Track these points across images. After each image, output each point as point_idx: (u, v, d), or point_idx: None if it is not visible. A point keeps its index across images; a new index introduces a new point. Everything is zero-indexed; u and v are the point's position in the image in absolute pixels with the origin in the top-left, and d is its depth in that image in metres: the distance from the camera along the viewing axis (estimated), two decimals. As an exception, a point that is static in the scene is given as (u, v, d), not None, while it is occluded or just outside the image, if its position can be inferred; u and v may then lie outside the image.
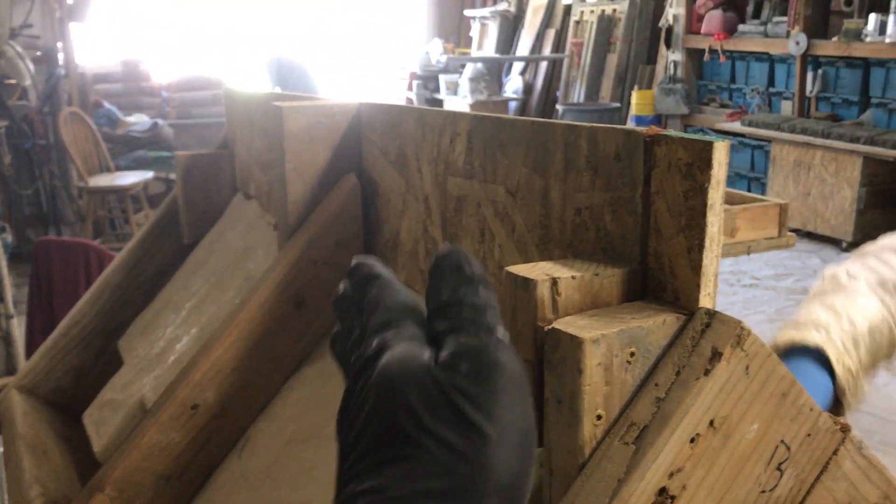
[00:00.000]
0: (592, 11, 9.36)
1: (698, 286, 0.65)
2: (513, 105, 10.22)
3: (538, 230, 0.83)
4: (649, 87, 8.32)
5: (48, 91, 6.15)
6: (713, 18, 7.61)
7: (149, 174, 6.20)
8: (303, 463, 0.99)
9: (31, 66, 5.43)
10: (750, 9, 7.53)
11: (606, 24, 9.21)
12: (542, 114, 9.92)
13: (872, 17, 6.28)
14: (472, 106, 9.71)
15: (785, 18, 7.01)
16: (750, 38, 7.40)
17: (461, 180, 0.94)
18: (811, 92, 6.94)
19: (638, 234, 0.70)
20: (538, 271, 0.67)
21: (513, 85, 10.47)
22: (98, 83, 8.14)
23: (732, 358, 0.62)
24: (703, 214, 0.64)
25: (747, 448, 0.64)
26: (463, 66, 10.00)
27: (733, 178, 7.48)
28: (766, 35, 7.24)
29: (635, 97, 8.19)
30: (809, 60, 6.92)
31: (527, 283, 0.66)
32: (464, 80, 9.94)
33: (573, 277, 0.67)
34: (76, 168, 5.83)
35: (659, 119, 8.15)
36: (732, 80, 7.75)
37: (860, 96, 6.62)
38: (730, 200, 3.98)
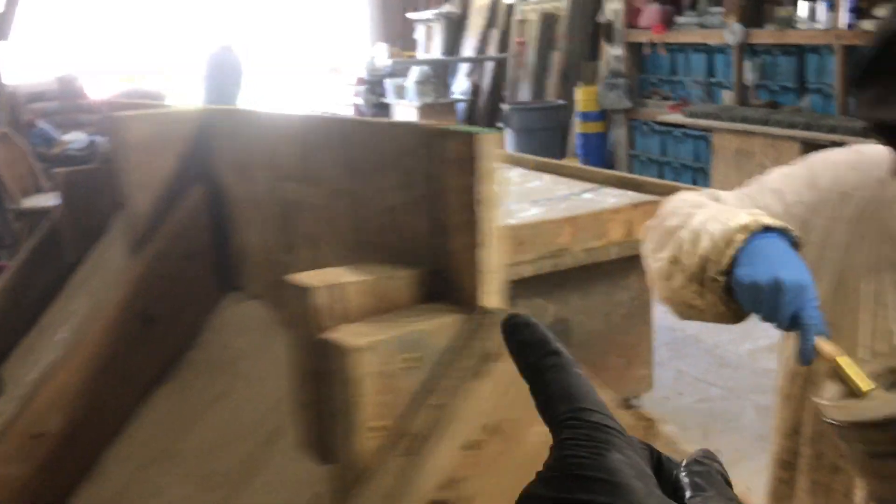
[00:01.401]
0: (534, 10, 9.38)
1: (481, 284, 0.62)
2: (461, 106, 10.21)
3: (354, 234, 0.79)
4: (593, 83, 8.35)
5: (-24, 112, 6.00)
6: (651, 12, 7.66)
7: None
8: (151, 487, 0.95)
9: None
10: (686, 1, 7.59)
11: (549, 21, 9.24)
12: (490, 114, 9.92)
13: (802, 3, 6.36)
14: (420, 109, 9.68)
15: (720, 9, 7.06)
16: (688, 30, 7.46)
17: (294, 185, 0.91)
18: (750, 81, 7.00)
19: (430, 233, 0.68)
20: (320, 278, 0.64)
21: (460, 86, 10.45)
22: (33, 102, 7.97)
23: (509, 358, 0.59)
24: (478, 210, 0.61)
25: (534, 452, 0.61)
26: (409, 70, 9.97)
27: (679, 170, 7.53)
28: (702, 26, 7.30)
29: (580, 94, 8.22)
30: (746, 49, 6.99)
31: (302, 292, 0.63)
32: (410, 84, 9.90)
33: (358, 282, 0.64)
34: (6, 190, 5.69)
35: (604, 114, 8.18)
36: (673, 72, 7.81)
37: (797, 83, 6.70)
38: (660, 191, 4.00)
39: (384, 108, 10.43)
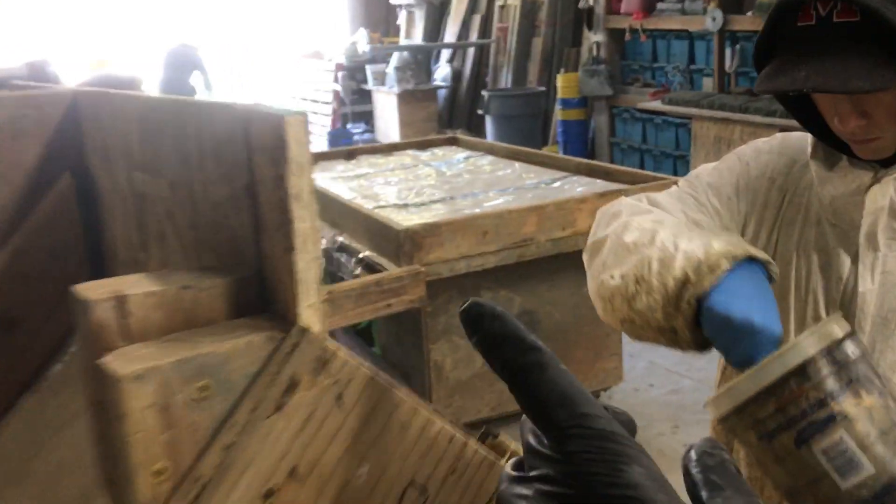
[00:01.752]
0: (515, -5, 9.25)
1: (295, 296, 0.52)
2: (442, 93, 10.08)
3: (193, 231, 0.69)
4: (575, 69, 8.24)
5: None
6: (632, -3, 7.55)
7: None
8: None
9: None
10: (667, -14, 7.48)
11: (530, 7, 9.11)
12: (472, 101, 9.80)
13: (783, -11, 6.26)
14: (400, 96, 9.55)
15: (701, -6, 6.97)
16: (669, 16, 7.35)
17: (142, 175, 0.80)
18: (730, 67, 6.91)
19: (251, 232, 0.57)
20: (106, 288, 0.54)
21: (441, 72, 10.32)
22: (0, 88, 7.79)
23: (314, 387, 0.49)
24: (288, 208, 0.51)
25: (357, 497, 0.51)
26: (390, 56, 9.82)
27: (659, 158, 7.44)
28: (683, 12, 7.19)
29: (560, 80, 8.10)
30: (727, 36, 6.89)
31: (83, 306, 0.52)
32: (391, 70, 9.76)
33: (149, 294, 0.53)
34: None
35: (585, 101, 8.08)
36: (654, 58, 7.70)
37: (777, 70, 6.61)
38: (631, 180, 3.91)
39: (364, 95, 10.29)
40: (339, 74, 10.08)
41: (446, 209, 3.71)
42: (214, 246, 0.63)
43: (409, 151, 5.01)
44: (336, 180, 4.38)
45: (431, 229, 3.14)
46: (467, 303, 0.42)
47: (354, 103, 10.26)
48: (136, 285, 0.54)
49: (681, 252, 0.98)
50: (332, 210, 3.71)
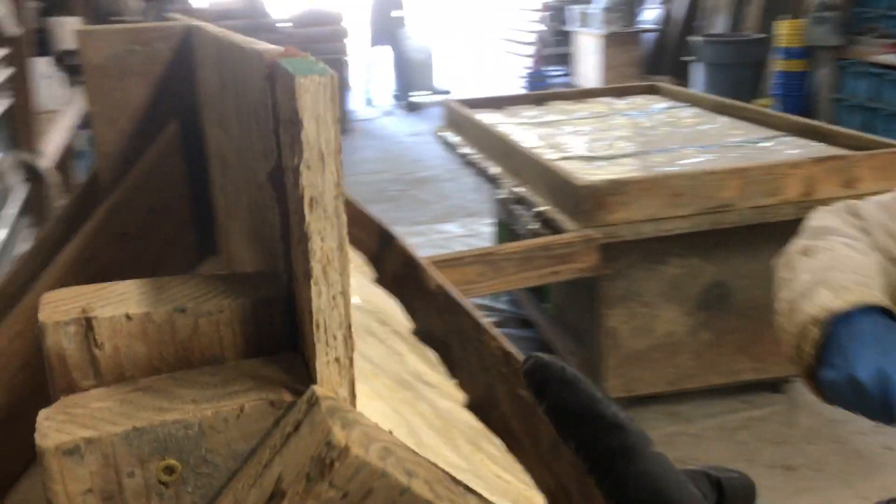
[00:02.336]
0: (739, -69, 8.45)
1: (314, 344, 0.35)
2: (648, 37, 9.51)
3: (248, 214, 0.54)
4: (800, 15, 7.45)
5: (159, 28, 6.20)
6: (877, -67, 6.65)
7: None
8: None
9: (143, 4, 5.45)
10: (922, -79, 6.51)
11: (755, -56, 8.31)
12: (679, 47, 9.17)
13: None
14: (606, 38, 9.12)
15: (964, -70, 6.01)
16: (919, -44, 6.42)
17: (218, 130, 0.66)
18: None
19: (281, 240, 0.41)
20: (75, 303, 0.39)
21: (651, 14, 9.72)
22: (220, 20, 8.19)
23: (308, 501, 0.32)
24: (303, 217, 0.33)
25: None
26: (597, -5, 9.37)
27: (891, 118, 6.59)
28: (939, -49, 6.26)
29: (782, 27, 7.35)
30: None
31: (41, 329, 0.38)
32: (598, 10, 9.32)
33: (127, 316, 0.38)
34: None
35: (809, 51, 7.30)
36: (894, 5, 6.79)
37: None
38: (855, 145, 3.41)
39: (565, 37, 9.92)
40: (544, 15, 9.75)
41: (637, 164, 3.41)
42: (259, 244, 0.48)
43: (604, 99, 4.70)
44: (522, 126, 4.18)
45: (616, 187, 2.88)
46: (530, 361, 0.37)
47: (555, 45, 9.93)
48: (114, 301, 0.39)
49: (798, 306, 0.92)
50: (514, 159, 3.52)
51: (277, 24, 8.62)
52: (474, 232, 5.47)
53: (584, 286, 3.22)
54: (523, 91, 8.73)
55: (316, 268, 0.34)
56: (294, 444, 0.33)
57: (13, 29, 2.52)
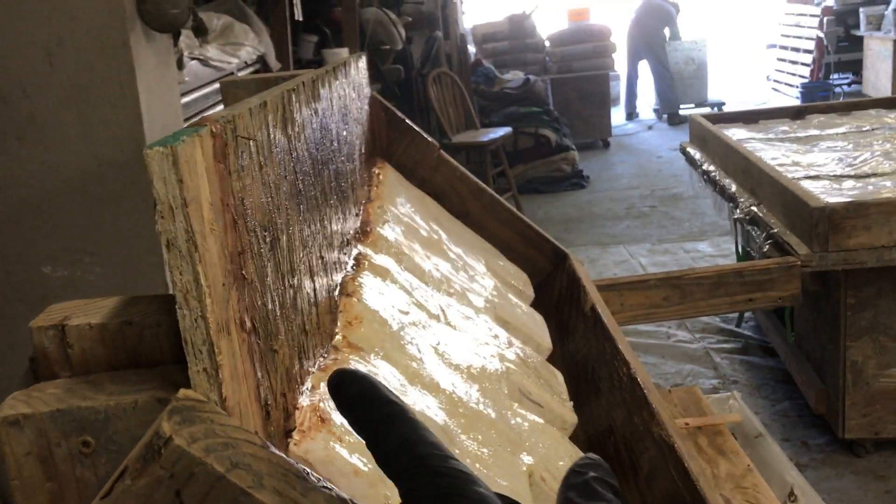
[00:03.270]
0: None
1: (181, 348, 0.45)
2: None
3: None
4: None
5: (425, 54, 6.64)
6: None
7: (505, 131, 6.38)
8: None
9: (403, 32, 5.90)
10: None
11: None
12: None
13: None
14: (900, 42, 8.25)
15: None
16: None
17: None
18: None
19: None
20: (58, 314, 0.52)
21: (956, 13, 8.64)
22: (487, 42, 8.57)
23: (144, 476, 0.41)
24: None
25: None
26: (890, -4, 8.51)
27: None
28: None
29: None
30: None
31: (30, 331, 0.51)
32: (888, 12, 8.47)
33: (91, 326, 0.50)
34: (441, 126, 6.23)
35: None
36: None
37: None
38: None
39: (855, 43, 9.11)
40: (825, 20, 9.04)
41: (894, 185, 3.10)
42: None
43: (873, 111, 4.29)
44: (770, 142, 3.95)
45: (856, 209, 2.65)
46: (334, 372, 0.42)
47: (842, 51, 9.15)
48: (90, 313, 0.51)
49: None
50: (751, 176, 3.35)
51: (546, 43, 8.82)
52: (726, 252, 5.24)
53: (827, 314, 2.99)
54: (797, 102, 8.17)
55: (178, 296, 0.43)
56: (149, 432, 0.42)
57: (274, 62, 2.90)
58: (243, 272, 0.51)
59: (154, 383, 0.47)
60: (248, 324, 0.51)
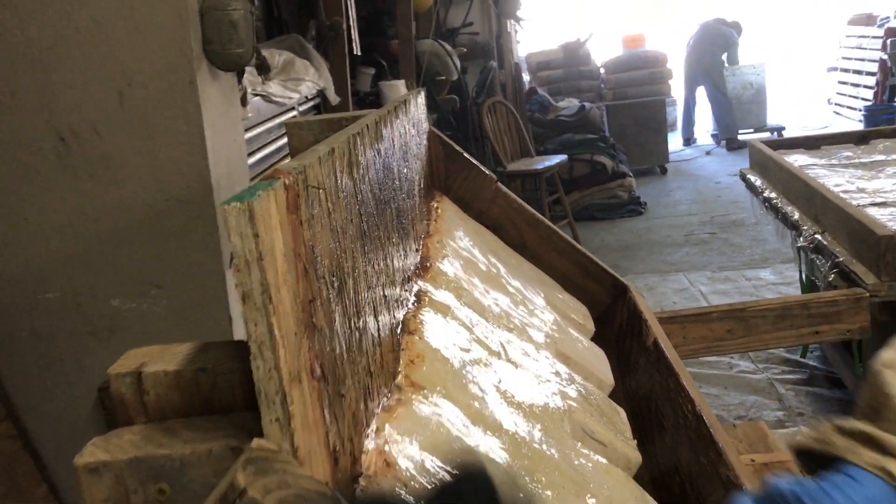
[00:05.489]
0: None
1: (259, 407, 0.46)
2: None
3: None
4: None
5: (481, 83, 6.68)
6: None
7: (560, 158, 6.36)
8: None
9: (458, 63, 5.95)
10: None
11: None
12: None
13: None
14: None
15: None
16: None
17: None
18: None
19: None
20: (135, 360, 0.53)
21: None
22: (541, 70, 8.59)
23: None
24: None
25: None
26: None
27: None
28: None
29: None
30: None
31: (109, 378, 0.53)
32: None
33: (166, 373, 0.52)
34: (496, 154, 6.25)
35: None
36: None
37: None
38: None
39: (920, 64, 8.88)
40: (889, 41, 8.84)
41: (965, 211, 2.99)
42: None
43: (943, 135, 4.17)
44: (833, 168, 3.86)
45: (926, 237, 2.56)
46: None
47: (905, 74, 8.92)
48: (166, 360, 0.52)
49: None
50: (814, 204, 3.28)
51: (601, 70, 8.79)
52: (790, 280, 5.12)
53: (896, 346, 2.88)
54: (859, 126, 7.99)
55: (253, 347, 0.44)
56: (223, 482, 0.43)
57: (333, 96, 2.95)
58: (313, 320, 0.51)
59: (227, 431, 0.47)
60: (318, 371, 0.51)
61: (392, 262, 0.94)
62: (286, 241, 0.46)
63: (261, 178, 0.47)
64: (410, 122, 1.29)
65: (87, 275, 1.83)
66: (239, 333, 1.90)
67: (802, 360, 4.02)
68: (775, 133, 9.22)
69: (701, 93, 9.51)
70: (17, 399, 1.92)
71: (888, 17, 9.21)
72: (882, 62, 8.97)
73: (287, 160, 2.62)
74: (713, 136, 9.75)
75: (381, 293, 0.84)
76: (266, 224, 0.44)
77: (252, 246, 0.43)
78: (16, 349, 1.88)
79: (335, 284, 0.60)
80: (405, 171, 1.15)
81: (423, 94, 1.55)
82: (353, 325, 0.65)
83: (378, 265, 0.84)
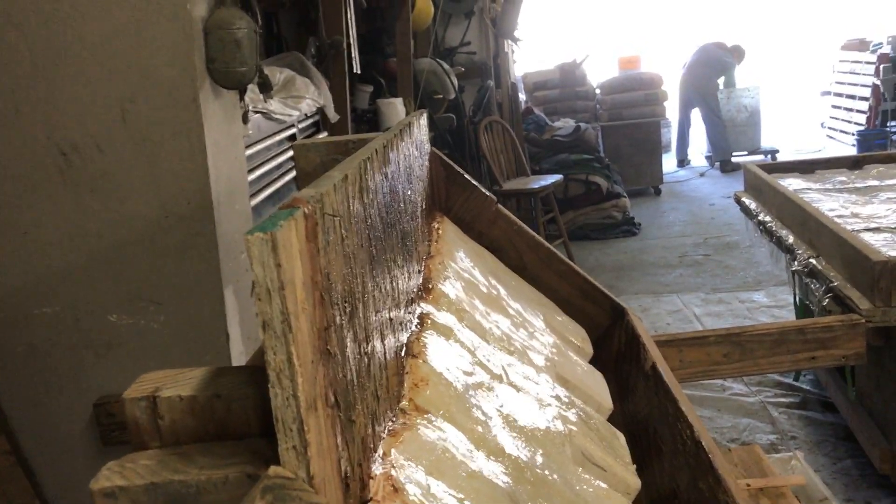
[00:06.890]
0: None
1: (272, 430, 0.46)
2: None
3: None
4: None
5: (478, 102, 6.71)
6: None
7: (556, 178, 6.38)
8: None
9: (456, 81, 5.97)
10: None
11: None
12: None
13: None
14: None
15: None
16: None
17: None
18: None
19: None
20: (150, 384, 0.53)
21: None
22: (538, 90, 8.64)
23: None
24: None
25: None
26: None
27: None
28: None
29: None
30: None
31: (123, 403, 0.53)
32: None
33: (181, 398, 0.52)
34: (491, 172, 6.27)
35: None
36: None
37: None
38: None
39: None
40: (882, 67, 8.93)
41: (960, 238, 3.02)
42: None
43: (937, 161, 4.21)
44: (828, 193, 3.89)
45: (920, 264, 2.58)
46: None
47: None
48: (180, 384, 0.53)
49: None
50: (809, 228, 3.30)
51: (596, 91, 8.84)
52: (783, 303, 5.14)
53: (891, 371, 2.90)
54: (852, 150, 8.06)
55: (272, 375, 0.44)
56: (241, 509, 0.43)
57: (332, 113, 2.96)
58: (328, 347, 0.52)
59: (243, 457, 0.48)
60: (332, 398, 0.52)
61: (398, 284, 0.94)
62: (305, 269, 0.47)
63: (280, 206, 0.48)
64: (414, 145, 1.30)
65: (86, 289, 1.83)
66: (236, 351, 1.90)
67: (795, 383, 4.03)
68: (769, 156, 9.28)
69: (695, 114, 9.58)
70: (12, 414, 1.91)
71: (881, 43, 9.30)
72: (875, 87, 9.06)
73: (286, 177, 2.63)
74: (707, 157, 9.81)
75: (388, 316, 0.84)
76: (287, 254, 0.44)
77: (274, 276, 0.43)
78: (12, 363, 1.88)
79: (347, 310, 0.60)
80: (409, 193, 1.16)
81: (425, 115, 1.56)
82: (362, 350, 0.65)
83: (385, 288, 0.84)
